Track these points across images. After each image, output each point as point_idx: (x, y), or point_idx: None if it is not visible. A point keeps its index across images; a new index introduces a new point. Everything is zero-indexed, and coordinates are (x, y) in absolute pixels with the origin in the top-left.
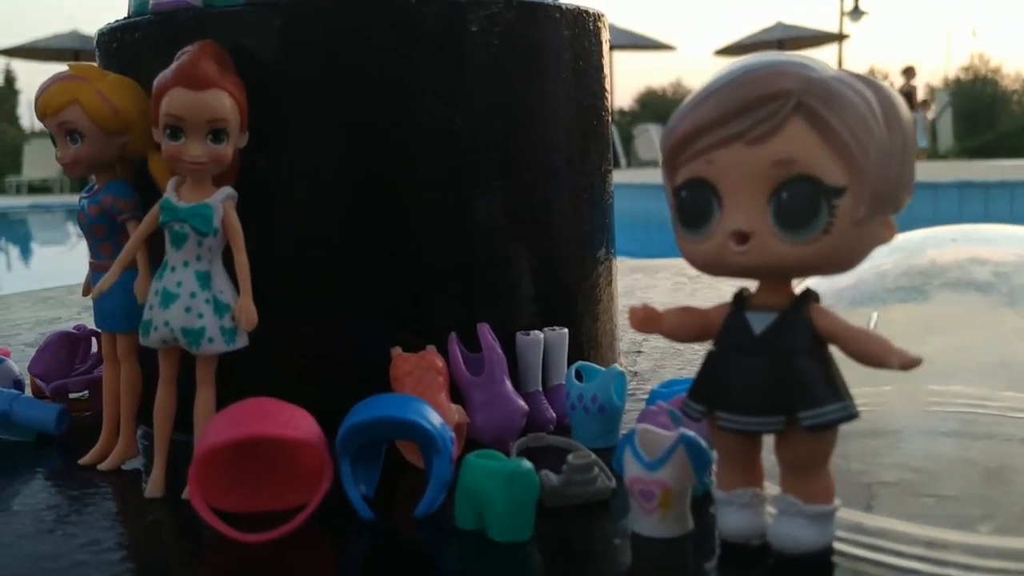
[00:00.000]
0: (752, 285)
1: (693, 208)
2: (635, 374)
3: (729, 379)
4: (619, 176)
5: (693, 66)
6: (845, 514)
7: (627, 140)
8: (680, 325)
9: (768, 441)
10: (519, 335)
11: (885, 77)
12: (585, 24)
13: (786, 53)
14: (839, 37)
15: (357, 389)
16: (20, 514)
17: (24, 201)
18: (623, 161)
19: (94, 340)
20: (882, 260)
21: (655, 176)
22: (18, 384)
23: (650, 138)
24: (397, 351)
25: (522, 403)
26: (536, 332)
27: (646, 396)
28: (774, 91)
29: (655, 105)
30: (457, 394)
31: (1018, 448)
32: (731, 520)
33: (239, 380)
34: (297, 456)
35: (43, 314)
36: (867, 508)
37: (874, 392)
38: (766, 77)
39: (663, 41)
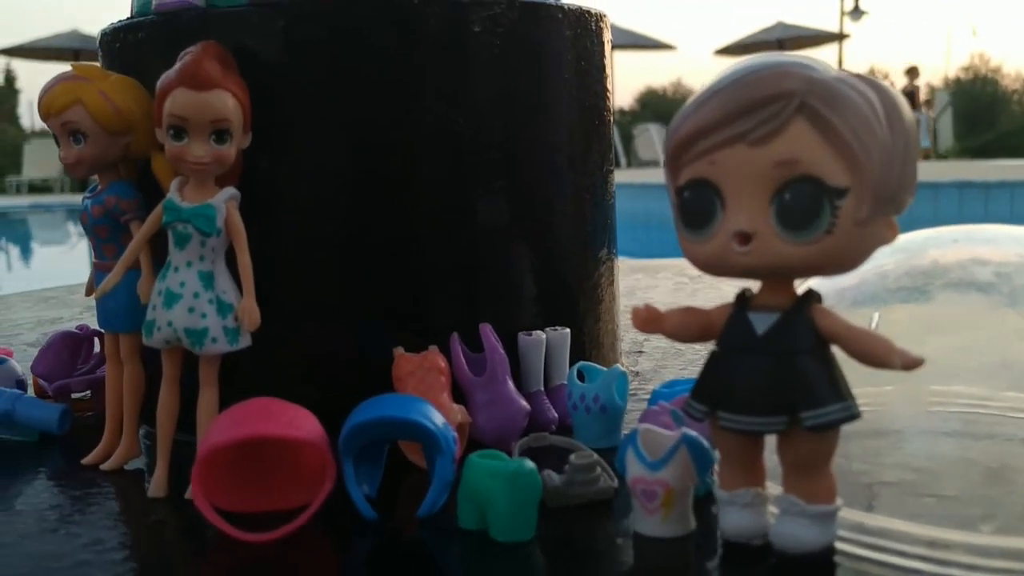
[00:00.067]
0: (754, 285)
1: (696, 208)
2: (636, 374)
3: (731, 379)
4: (619, 176)
5: (693, 66)
6: (847, 514)
7: (627, 140)
8: (682, 325)
9: (770, 441)
10: (521, 335)
11: (885, 77)
12: (587, 24)
13: (788, 54)
14: (839, 37)
15: (359, 389)
16: (23, 514)
17: (24, 201)
18: (623, 161)
19: (96, 340)
20: (884, 260)
21: (655, 176)
22: (20, 384)
23: (650, 138)
24: (399, 351)
25: (524, 403)
26: (538, 332)
27: (647, 396)
28: (777, 92)
29: (655, 105)
30: (459, 394)
31: (1019, 448)
32: (733, 520)
33: (242, 380)
34: (300, 456)
35: (45, 314)
36: (869, 508)
37: (876, 392)
38: (769, 78)
39: (663, 41)
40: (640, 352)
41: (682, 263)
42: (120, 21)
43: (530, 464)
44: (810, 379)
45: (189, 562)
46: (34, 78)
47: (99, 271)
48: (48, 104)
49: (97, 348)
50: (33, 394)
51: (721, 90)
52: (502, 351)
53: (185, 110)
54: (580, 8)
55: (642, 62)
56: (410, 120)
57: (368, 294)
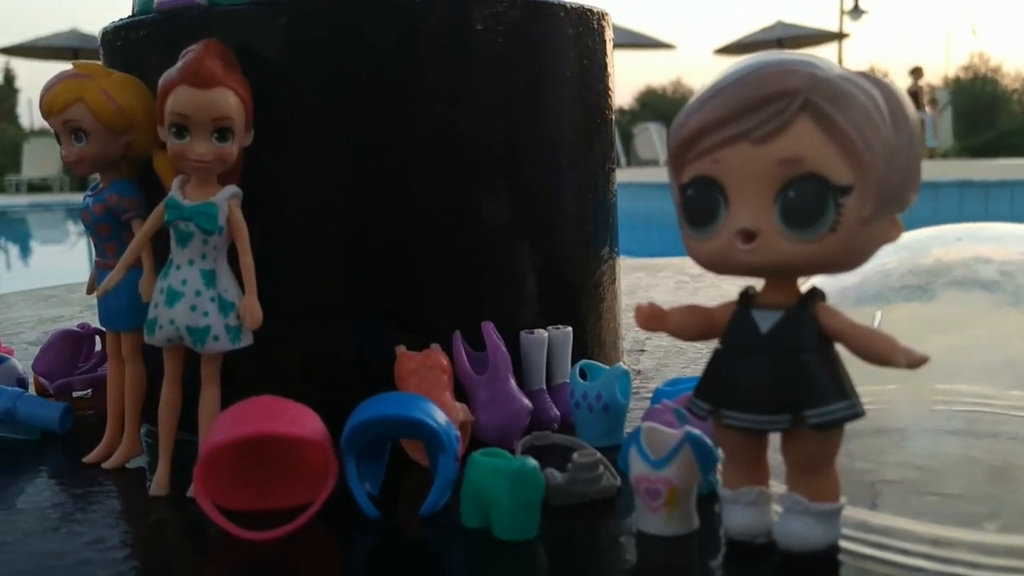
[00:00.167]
0: (758, 283)
1: (699, 207)
2: (638, 373)
3: (735, 377)
4: (619, 175)
5: (693, 65)
6: (851, 512)
7: (627, 139)
8: (685, 323)
9: (774, 439)
10: (523, 333)
11: (885, 76)
12: (589, 22)
13: (792, 52)
14: (839, 36)
15: (361, 389)
16: (25, 512)
17: (24, 200)
18: (623, 160)
19: (98, 338)
20: (887, 259)
21: (655, 175)
22: (22, 382)
23: (650, 137)
24: (401, 349)
25: (526, 401)
26: (540, 330)
27: (650, 395)
28: (780, 90)
29: (655, 104)
30: (462, 392)
31: (1023, 447)
32: (737, 518)
33: (243, 379)
34: (302, 454)
35: (45, 312)
36: (872, 506)
37: (879, 390)
38: (772, 76)
39: (663, 40)
40: (642, 351)
41: (683, 262)
42: (122, 19)
43: (533, 462)
44: (814, 377)
45: (191, 560)
46: (33, 77)
47: (101, 269)
48: (50, 102)
49: (98, 346)
50: (34, 392)
51: (725, 88)
52: (504, 349)
53: (187, 108)
54: (582, 6)
55: (642, 61)
56: (412, 118)
57: (370, 293)
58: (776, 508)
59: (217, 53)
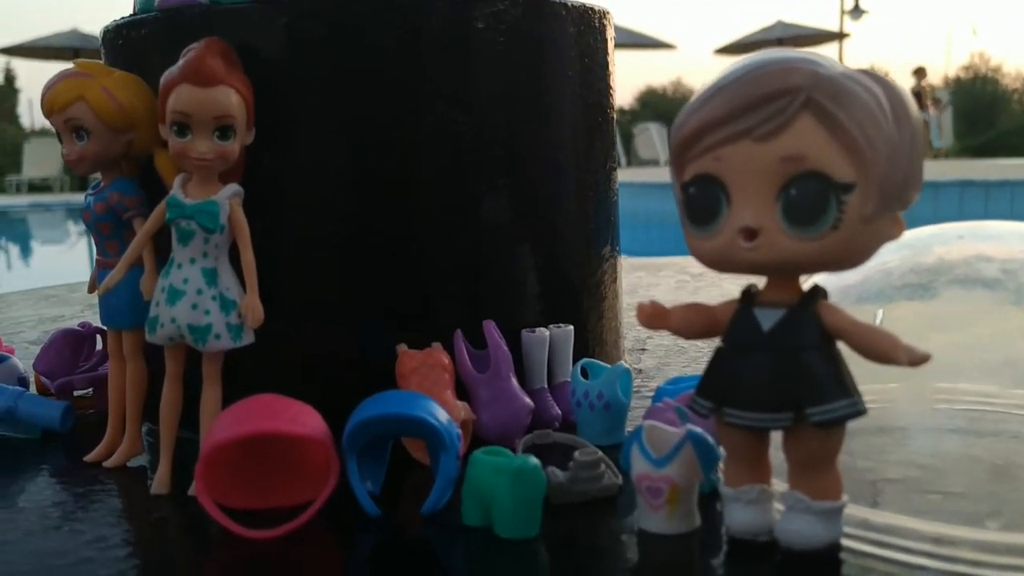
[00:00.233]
0: (759, 281)
1: (701, 205)
2: (639, 371)
3: (737, 375)
4: (620, 175)
5: (693, 65)
6: (852, 510)
7: (627, 139)
8: (687, 321)
9: (776, 437)
10: (524, 332)
11: (886, 75)
12: (591, 21)
13: (794, 50)
14: (839, 36)
15: (361, 388)
16: (26, 511)
17: (24, 200)
18: (623, 160)
19: (99, 337)
20: (889, 257)
21: (655, 175)
22: (23, 381)
23: (650, 137)
24: (403, 348)
25: (528, 400)
26: (541, 329)
27: (651, 393)
28: (782, 87)
29: (655, 104)
30: (463, 391)
31: None
32: (738, 516)
33: (244, 378)
34: (303, 453)
35: (46, 312)
36: (874, 504)
37: (881, 389)
38: (774, 73)
39: (663, 40)
40: (643, 349)
41: (684, 261)
42: (123, 18)
43: (535, 461)
44: (816, 375)
45: (192, 559)
46: (34, 77)
47: (102, 268)
48: (51, 101)
49: (99, 345)
50: (35, 391)
51: (726, 86)
52: (506, 348)
53: (188, 106)
54: (583, 5)
55: (642, 61)
56: (413, 117)
57: (371, 292)
58: (778, 506)
59: (219, 51)
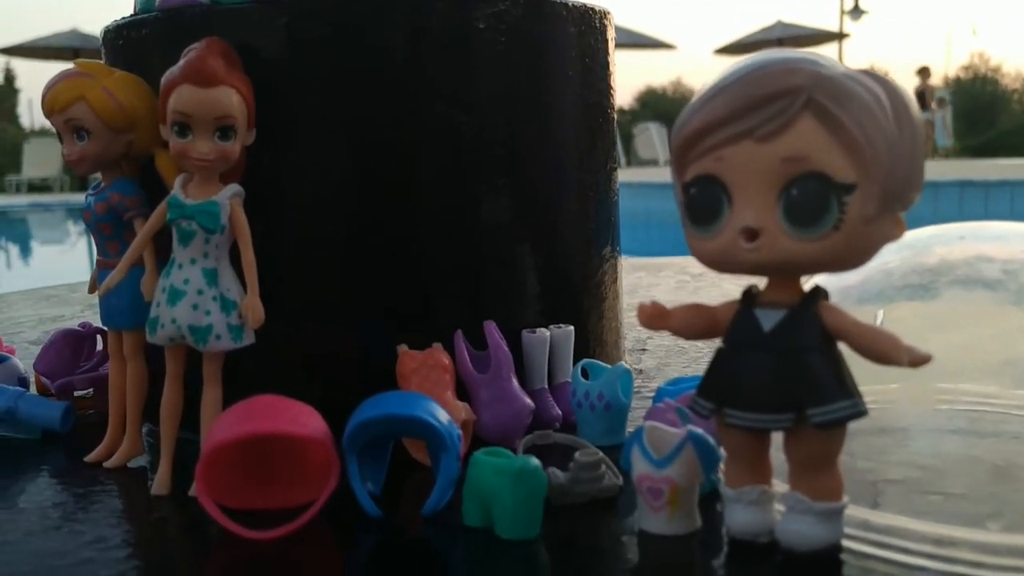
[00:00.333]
0: (760, 282)
1: (702, 205)
2: (640, 372)
3: (738, 376)
4: (619, 175)
5: (693, 65)
6: (853, 511)
7: (627, 139)
8: (688, 322)
9: (776, 438)
10: (525, 333)
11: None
12: (591, 21)
13: (795, 50)
14: (839, 36)
15: (362, 388)
16: (26, 511)
17: (24, 200)
18: (623, 160)
19: (99, 337)
20: (890, 257)
21: (655, 175)
22: (23, 382)
23: (650, 137)
24: (403, 348)
25: (528, 401)
26: (542, 329)
27: (651, 394)
28: (784, 88)
29: (655, 104)
30: (463, 391)
31: None
32: (739, 517)
33: (244, 378)
34: (304, 453)
35: (46, 312)
36: (875, 505)
37: (881, 389)
38: (776, 74)
39: (663, 40)
40: (643, 350)
41: (684, 261)
42: (123, 18)
43: (535, 461)
44: (817, 376)
45: (192, 560)
46: (34, 77)
47: (102, 268)
48: (52, 101)
49: (100, 345)
50: (36, 392)
51: (728, 86)
52: (506, 348)
53: (189, 106)
54: (584, 5)
55: (642, 61)
56: (413, 117)
57: (371, 292)
58: (778, 507)
59: (219, 52)
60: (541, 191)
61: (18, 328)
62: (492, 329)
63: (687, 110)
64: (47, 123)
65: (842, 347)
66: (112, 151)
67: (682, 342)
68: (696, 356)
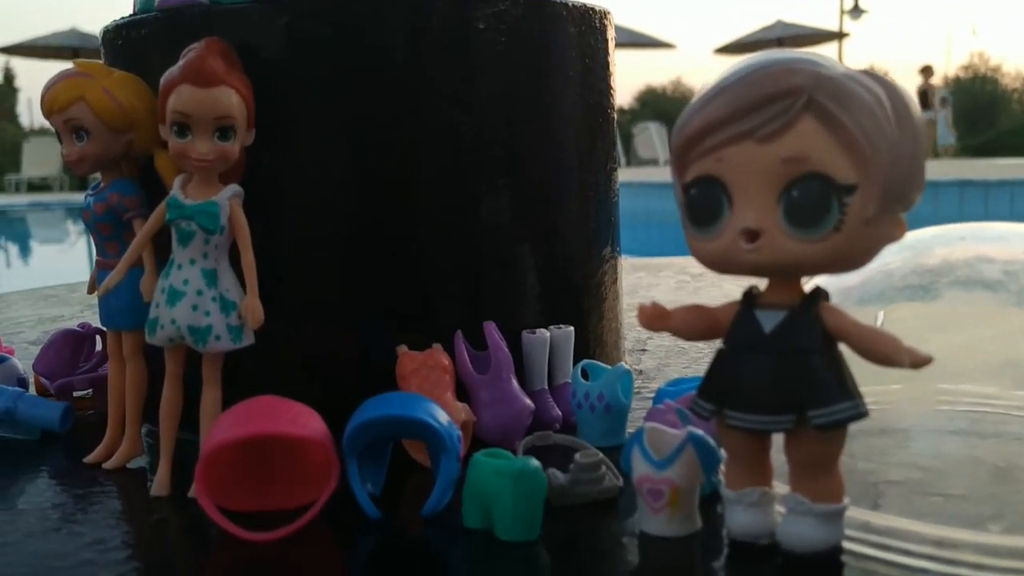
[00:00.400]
0: (761, 283)
1: (703, 206)
2: (640, 372)
3: (739, 377)
4: (619, 175)
5: (693, 64)
6: (853, 513)
7: (627, 139)
8: (688, 323)
9: (777, 440)
10: (525, 333)
11: (886, 75)
12: (591, 21)
13: (796, 50)
14: (839, 35)
15: (362, 388)
16: (26, 513)
17: (23, 199)
18: (623, 160)
19: (98, 338)
20: (890, 258)
21: (655, 175)
22: (22, 382)
23: (650, 137)
24: (403, 349)
25: (528, 402)
26: (542, 330)
27: (651, 395)
28: (785, 88)
29: (655, 103)
30: (463, 392)
31: None
32: (740, 519)
33: (244, 379)
34: (304, 454)
35: (45, 312)
36: (875, 507)
37: (882, 390)
38: (777, 74)
39: (663, 39)
40: (643, 350)
41: (684, 261)
42: (123, 18)
43: (535, 463)
44: (818, 377)
45: (192, 561)
46: (33, 76)
47: (102, 269)
48: (51, 101)
49: (99, 346)
50: (35, 392)
51: (729, 86)
52: (506, 349)
53: (189, 106)
54: (584, 5)
55: (642, 61)
56: (413, 118)
57: (371, 292)
58: (779, 509)
59: (219, 52)
60: (541, 191)
61: (18, 328)
62: (492, 330)
63: (687, 110)
64: (47, 122)
65: (843, 348)
66: (112, 151)
67: (682, 343)
68: (696, 357)
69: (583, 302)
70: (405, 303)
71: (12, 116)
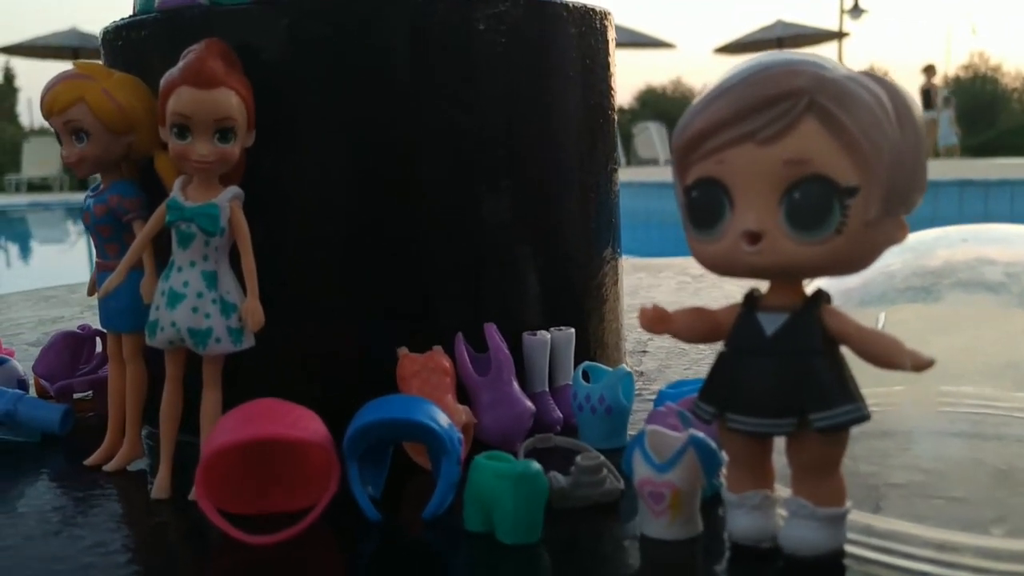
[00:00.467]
0: (762, 285)
1: (704, 208)
2: (641, 374)
3: (740, 380)
4: (619, 174)
5: (693, 64)
6: (855, 516)
7: (627, 138)
8: (690, 326)
9: (779, 442)
10: (526, 335)
11: (884, 75)
12: (592, 22)
13: (798, 52)
14: (839, 35)
15: (363, 389)
16: (26, 516)
17: (23, 199)
18: (623, 159)
19: (98, 340)
20: (892, 260)
21: (655, 174)
22: (22, 384)
23: (649, 136)
24: (403, 351)
25: (529, 404)
26: (543, 332)
27: (652, 396)
28: (786, 90)
29: (655, 103)
30: (464, 394)
31: None
32: (741, 522)
33: (244, 380)
34: (304, 457)
35: (45, 313)
36: (877, 510)
37: (884, 392)
38: (778, 76)
39: (663, 39)
40: (644, 352)
41: (684, 262)
42: (123, 19)
43: (537, 466)
44: (820, 380)
45: (193, 565)
46: (33, 76)
47: (102, 271)
48: (51, 102)
49: (99, 348)
50: (35, 394)
51: (730, 88)
52: (507, 351)
53: (189, 108)
54: (584, 6)
55: (642, 60)
56: (414, 119)
57: (372, 293)
58: (781, 512)
59: (219, 53)
60: (542, 192)
61: (17, 329)
62: (493, 332)
63: (689, 112)
64: (47, 122)
65: (844, 350)
66: (112, 153)
67: (683, 344)
68: (697, 358)
69: (584, 303)
70: (405, 303)
71: (12, 116)
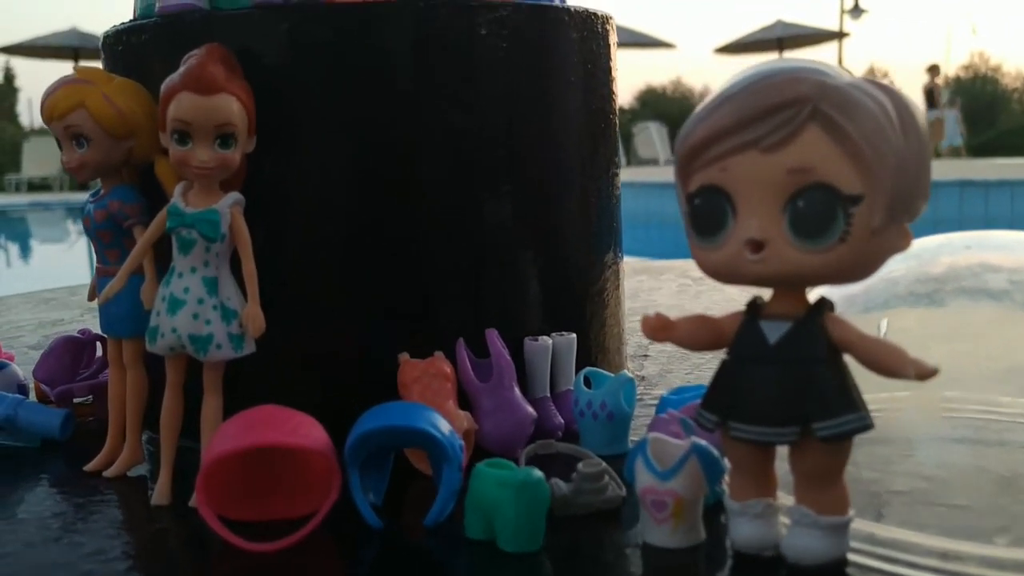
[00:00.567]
0: (765, 293)
1: (707, 216)
2: (642, 379)
3: (743, 389)
4: (620, 176)
5: (693, 64)
6: (858, 524)
7: (627, 138)
8: (693, 334)
9: (782, 450)
10: (527, 341)
11: (885, 75)
12: (593, 27)
13: (802, 59)
14: (839, 35)
15: (364, 393)
16: (26, 522)
17: (23, 199)
18: (623, 160)
19: (99, 344)
20: (895, 266)
21: (655, 175)
22: (22, 389)
23: (650, 136)
24: (405, 357)
25: (531, 410)
26: (544, 338)
27: (654, 401)
28: (790, 98)
29: (655, 103)
30: (465, 400)
31: None
32: (744, 530)
33: (245, 385)
34: (305, 464)
35: (45, 316)
36: (879, 518)
37: (886, 398)
38: (782, 83)
39: (663, 39)
40: (645, 356)
41: (686, 264)
42: (123, 23)
43: (538, 473)
44: (823, 389)
45: (193, 572)
46: (33, 76)
47: (102, 276)
48: (51, 108)
49: (99, 352)
50: (35, 399)
51: (733, 96)
52: (508, 357)
53: (189, 114)
54: (586, 10)
55: (642, 60)
56: (415, 123)
57: (373, 297)
58: (784, 520)
59: (220, 58)
60: (543, 196)
61: (18, 332)
62: (494, 337)
63: (692, 119)
64: (48, 128)
65: (847, 358)
66: (112, 158)
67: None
68: (699, 362)
69: (585, 308)
70: (406, 304)
71: (12, 116)
